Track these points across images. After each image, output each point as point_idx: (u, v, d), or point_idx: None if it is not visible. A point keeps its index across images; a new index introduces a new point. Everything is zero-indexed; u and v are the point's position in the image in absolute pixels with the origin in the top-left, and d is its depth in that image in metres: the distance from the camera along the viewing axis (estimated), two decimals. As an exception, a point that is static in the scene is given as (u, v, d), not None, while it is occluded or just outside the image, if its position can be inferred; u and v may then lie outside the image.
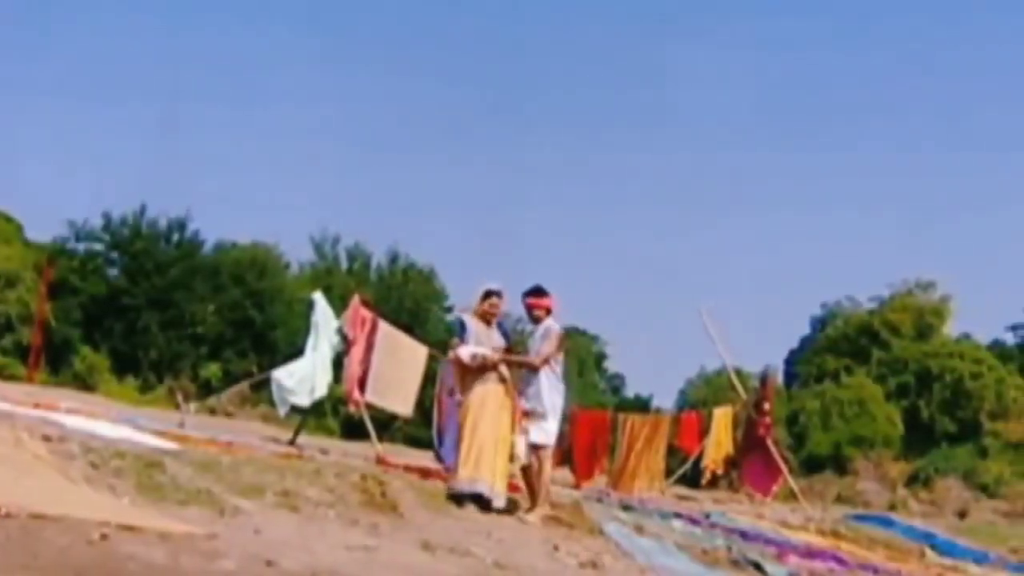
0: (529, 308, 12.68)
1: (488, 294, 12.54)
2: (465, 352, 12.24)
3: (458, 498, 11.88)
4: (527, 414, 12.31)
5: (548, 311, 12.62)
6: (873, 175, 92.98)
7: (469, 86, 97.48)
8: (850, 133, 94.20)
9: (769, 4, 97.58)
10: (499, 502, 12.07)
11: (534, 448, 12.32)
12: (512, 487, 12.81)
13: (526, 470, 12.47)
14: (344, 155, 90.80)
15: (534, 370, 12.45)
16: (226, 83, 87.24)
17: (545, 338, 12.50)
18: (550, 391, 12.48)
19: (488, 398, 12.22)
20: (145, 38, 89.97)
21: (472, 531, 10.66)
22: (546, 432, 12.42)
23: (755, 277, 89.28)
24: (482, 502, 11.93)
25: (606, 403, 51.50)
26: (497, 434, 12.13)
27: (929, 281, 64.45)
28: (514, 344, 12.97)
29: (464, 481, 11.99)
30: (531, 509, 12.30)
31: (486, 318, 12.50)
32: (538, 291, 12.66)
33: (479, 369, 12.25)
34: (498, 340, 12.48)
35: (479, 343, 12.35)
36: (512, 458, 12.25)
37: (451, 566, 8.85)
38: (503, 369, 12.35)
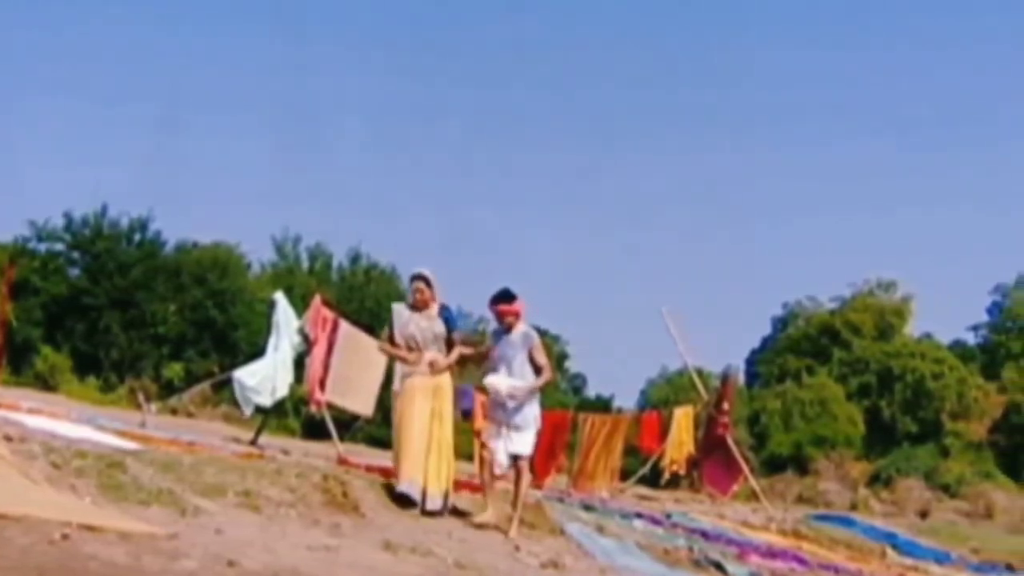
0: (500, 315, 11.80)
1: (411, 279, 12.17)
2: (501, 384, 11.61)
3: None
4: (509, 425, 11.67)
5: (518, 316, 11.86)
6: (835, 175, 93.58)
7: (432, 86, 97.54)
8: (810, 133, 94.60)
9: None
10: (432, 504, 11.57)
11: (514, 458, 11.71)
12: (474, 487, 12.79)
13: (517, 480, 11.80)
14: (306, 154, 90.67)
15: (549, 384, 12.18)
16: (191, 85, 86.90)
17: (531, 346, 11.77)
18: (533, 401, 11.87)
19: (416, 395, 11.85)
20: (115, 40, 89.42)
21: (433, 531, 10.66)
22: (526, 443, 11.77)
23: (716, 277, 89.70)
24: (409, 503, 11.45)
25: (567, 403, 51.37)
26: (426, 431, 11.70)
27: (890, 281, 64.99)
28: (476, 341, 12.69)
29: (399, 482, 11.62)
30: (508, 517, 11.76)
31: (415, 305, 12.04)
32: (506, 296, 11.82)
33: (411, 364, 11.95)
34: (439, 328, 11.96)
35: (405, 331, 11.95)
36: (497, 465, 11.78)
37: (413, 566, 8.86)
38: (438, 361, 11.91)
